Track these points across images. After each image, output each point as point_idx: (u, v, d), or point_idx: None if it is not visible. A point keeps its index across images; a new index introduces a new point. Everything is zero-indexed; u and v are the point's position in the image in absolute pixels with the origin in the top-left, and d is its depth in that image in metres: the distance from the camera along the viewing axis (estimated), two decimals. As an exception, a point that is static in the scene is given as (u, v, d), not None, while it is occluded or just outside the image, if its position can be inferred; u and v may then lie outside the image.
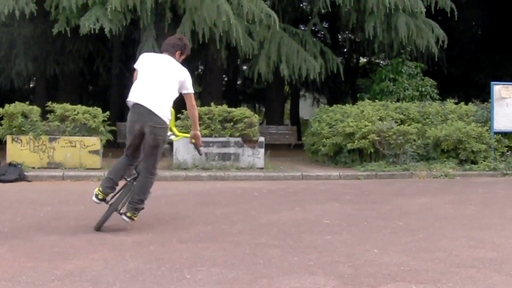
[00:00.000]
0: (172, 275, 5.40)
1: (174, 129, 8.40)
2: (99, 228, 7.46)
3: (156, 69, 7.69)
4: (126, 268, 5.62)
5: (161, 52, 8.01)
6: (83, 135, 15.25)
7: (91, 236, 7.10)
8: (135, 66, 7.88)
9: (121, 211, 7.51)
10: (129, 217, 7.44)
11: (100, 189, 7.46)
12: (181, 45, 8.01)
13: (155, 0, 18.01)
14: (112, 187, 7.55)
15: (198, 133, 8.18)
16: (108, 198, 7.57)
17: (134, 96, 7.69)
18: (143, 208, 7.64)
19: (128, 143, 7.72)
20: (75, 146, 15.08)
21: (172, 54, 7.90)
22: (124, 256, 6.09)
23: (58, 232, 7.35)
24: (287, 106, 42.68)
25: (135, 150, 7.67)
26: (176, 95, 7.78)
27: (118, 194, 7.69)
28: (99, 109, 15.69)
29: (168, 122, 7.64)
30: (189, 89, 7.87)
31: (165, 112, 7.54)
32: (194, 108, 8.03)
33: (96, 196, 7.46)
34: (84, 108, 15.65)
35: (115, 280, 5.21)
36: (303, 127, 32.05)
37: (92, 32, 17.90)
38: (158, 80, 7.61)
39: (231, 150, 15.81)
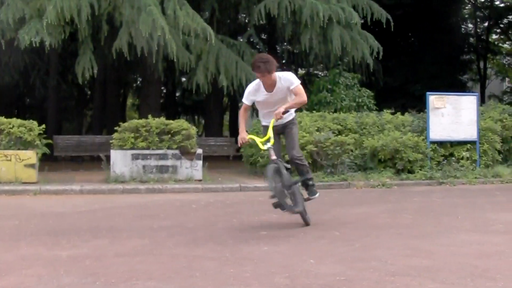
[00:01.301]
0: (107, 289, 5.36)
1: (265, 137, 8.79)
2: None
3: None
4: (60, 283, 5.56)
5: None
6: (19, 149, 14.99)
7: (25, 252, 7.01)
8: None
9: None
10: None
11: None
12: None
13: (91, 13, 17.87)
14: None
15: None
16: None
17: None
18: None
19: None
20: (10, 160, 14.82)
21: None
22: (59, 272, 6.01)
23: (-9, 248, 7.22)
24: (227, 117, 42.73)
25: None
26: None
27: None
28: (35, 122, 15.46)
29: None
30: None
31: None
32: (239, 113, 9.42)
33: None
34: (19, 121, 15.39)
35: (49, 296, 5.16)
36: (242, 139, 32.04)
37: (34, 45, 17.71)
38: None
39: (169, 162, 15.74)
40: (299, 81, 8.68)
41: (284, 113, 8.52)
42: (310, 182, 9.29)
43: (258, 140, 8.81)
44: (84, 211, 10.93)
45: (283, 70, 36.44)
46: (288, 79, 8.61)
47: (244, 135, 8.74)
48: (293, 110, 8.98)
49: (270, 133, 8.63)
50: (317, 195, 9.33)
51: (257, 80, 8.74)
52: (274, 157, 8.53)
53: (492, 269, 6.17)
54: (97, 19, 18.80)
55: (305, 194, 9.22)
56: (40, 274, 5.91)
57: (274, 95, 8.68)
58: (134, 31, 18.41)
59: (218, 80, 21.17)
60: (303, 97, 8.62)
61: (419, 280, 5.71)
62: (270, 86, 8.62)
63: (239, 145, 8.98)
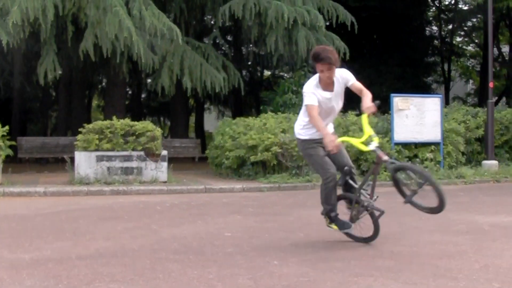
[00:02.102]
0: (69, 292, 5.33)
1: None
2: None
3: None
4: (23, 286, 5.53)
5: None
6: (-18, 151, 14.86)
7: (-13, 255, 6.95)
8: None
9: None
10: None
11: None
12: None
13: (55, 13, 17.72)
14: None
15: (326, 138, 7.21)
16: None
17: None
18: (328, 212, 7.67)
19: None
20: (-27, 162, 14.68)
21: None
22: (21, 275, 5.97)
23: (-48, 251, 7.15)
24: (192, 119, 42.66)
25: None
26: (304, 109, 7.64)
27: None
28: (-1, 124, 15.32)
29: (297, 137, 7.92)
30: (304, 102, 7.56)
31: (296, 128, 7.92)
32: (310, 119, 7.50)
33: None
34: (-18, 123, 15.24)
35: (10, 299, 5.12)
36: (207, 140, 32.07)
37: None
38: None
39: (134, 164, 15.67)
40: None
41: None
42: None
43: (356, 142, 7.59)
44: (47, 213, 10.86)
45: (249, 71, 36.32)
46: (344, 76, 7.72)
47: (333, 138, 7.27)
48: None
49: (369, 130, 7.48)
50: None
51: (315, 78, 7.60)
52: (386, 157, 7.41)
53: (454, 269, 6.23)
54: (61, 20, 18.64)
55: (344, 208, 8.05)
56: (2, 277, 5.86)
57: (335, 96, 7.70)
58: (100, 32, 18.30)
59: (182, 81, 21.13)
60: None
61: (382, 280, 5.75)
62: (330, 84, 7.60)
63: (332, 151, 7.21)
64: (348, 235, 7.77)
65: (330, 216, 7.62)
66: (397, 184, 7.66)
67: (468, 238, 8.12)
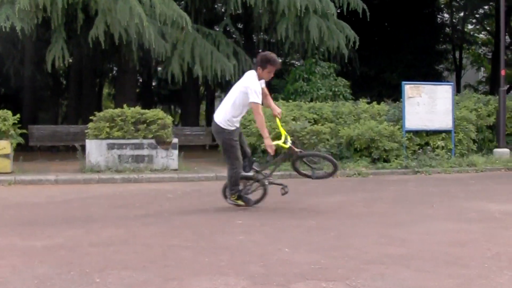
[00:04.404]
0: (81, 279, 5.33)
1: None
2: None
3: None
4: (35, 273, 5.53)
5: None
6: (-7, 139, 14.89)
7: (0, 242, 6.96)
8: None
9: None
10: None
11: None
12: (258, 61, 9.28)
13: (66, 1, 17.71)
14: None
15: (266, 141, 9.23)
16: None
17: None
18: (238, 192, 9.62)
19: None
20: (-16, 150, 14.71)
21: (256, 70, 9.29)
22: (33, 262, 5.98)
23: (-35, 238, 7.18)
24: (203, 107, 42.66)
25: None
26: (240, 104, 9.26)
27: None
28: (9, 112, 15.31)
29: (224, 127, 9.28)
30: (250, 98, 9.06)
31: (221, 119, 9.28)
32: (256, 116, 9.28)
33: None
34: (-7, 111, 15.27)
35: (22, 285, 5.13)
36: (218, 128, 32.00)
37: (4, 30, 17.50)
38: (227, 96, 9.43)
39: (145, 152, 15.68)
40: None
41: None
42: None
43: (280, 143, 9.39)
44: (59, 201, 10.89)
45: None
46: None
47: (271, 143, 9.23)
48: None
49: (283, 130, 9.57)
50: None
51: (255, 76, 9.26)
52: (297, 150, 9.63)
53: (465, 256, 6.21)
54: (71, 7, 18.64)
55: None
56: (15, 265, 5.87)
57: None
58: (111, 19, 18.31)
59: (193, 69, 21.12)
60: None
61: (393, 268, 5.74)
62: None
63: (272, 153, 9.30)
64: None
65: (241, 196, 9.58)
66: (297, 169, 9.99)
67: (480, 226, 8.10)
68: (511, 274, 5.53)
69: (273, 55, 9.31)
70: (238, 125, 9.46)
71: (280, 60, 9.72)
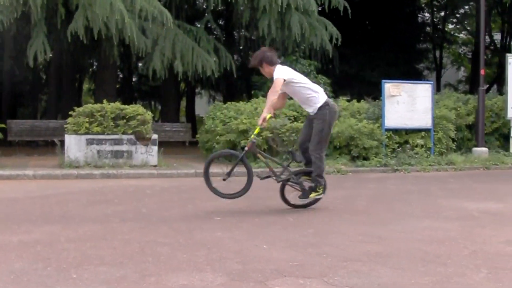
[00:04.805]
0: (58, 275, 5.31)
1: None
2: None
3: None
4: (11, 268, 5.49)
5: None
6: (-29, 133, 14.80)
7: (-24, 237, 6.93)
8: (285, 77, 8.89)
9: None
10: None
11: None
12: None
13: (46, -5, 17.63)
14: None
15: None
16: None
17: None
18: None
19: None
20: (-39, 145, 14.62)
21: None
22: (10, 257, 5.94)
23: None
24: (183, 103, 42.59)
25: None
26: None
27: None
28: (-12, 107, 15.25)
29: None
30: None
31: None
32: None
33: None
34: (-29, 106, 15.18)
35: (-2, 281, 5.10)
36: (198, 125, 32.03)
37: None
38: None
39: (124, 147, 15.63)
40: (278, 75, 8.88)
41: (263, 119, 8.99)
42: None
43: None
44: (37, 196, 10.84)
45: (240, 56, 36.20)
46: (274, 74, 8.97)
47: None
48: (317, 104, 9.24)
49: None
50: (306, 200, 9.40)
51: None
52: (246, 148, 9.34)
53: (443, 254, 6.24)
54: (52, 2, 18.54)
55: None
56: (-10, 259, 5.85)
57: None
58: (91, 14, 18.21)
59: (174, 65, 21.08)
60: (270, 89, 8.92)
61: (370, 265, 5.75)
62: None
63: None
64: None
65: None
66: None
67: (458, 224, 8.13)
68: (487, 272, 5.56)
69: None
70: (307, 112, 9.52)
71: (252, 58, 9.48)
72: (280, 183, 9.44)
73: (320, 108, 9.14)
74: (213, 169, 9.48)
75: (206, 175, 9.23)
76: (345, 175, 15.58)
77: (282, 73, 8.86)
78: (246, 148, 9.27)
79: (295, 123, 16.90)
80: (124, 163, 15.45)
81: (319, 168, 9.16)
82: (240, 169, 9.23)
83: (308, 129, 9.32)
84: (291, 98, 9.84)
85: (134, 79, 43.50)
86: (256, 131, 9.37)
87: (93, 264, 5.69)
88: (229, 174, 9.14)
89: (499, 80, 37.25)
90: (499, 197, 11.29)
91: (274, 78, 8.80)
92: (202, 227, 7.72)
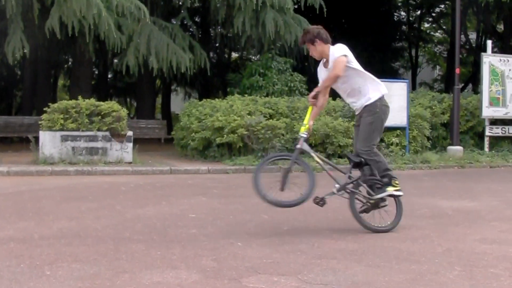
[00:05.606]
0: (31, 272, 5.28)
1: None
2: None
3: None
4: (-16, 265, 5.46)
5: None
6: None
7: None
8: (348, 54, 7.72)
9: None
10: None
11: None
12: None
13: (20, -10, 17.50)
14: None
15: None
16: None
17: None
18: None
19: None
20: None
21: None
22: (-18, 254, 5.91)
23: None
24: (159, 100, 42.47)
25: None
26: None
27: None
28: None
29: None
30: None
31: None
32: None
33: None
34: None
35: (-30, 278, 5.06)
36: (174, 122, 31.95)
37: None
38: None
39: (99, 144, 15.55)
40: (341, 53, 7.69)
41: (315, 96, 7.70)
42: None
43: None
44: (10, 192, 10.78)
45: (216, 53, 36.05)
46: (332, 53, 7.77)
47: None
48: (369, 95, 8.01)
49: (307, 118, 7.95)
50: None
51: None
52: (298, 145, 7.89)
53: (417, 252, 6.28)
54: (26, -3, 18.43)
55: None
56: (-38, 256, 5.80)
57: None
58: (66, 10, 18.09)
59: (149, 62, 21.02)
60: (334, 70, 7.60)
61: (345, 263, 5.78)
62: (325, 62, 7.88)
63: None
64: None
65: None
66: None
67: (432, 222, 8.19)
68: (460, 269, 5.60)
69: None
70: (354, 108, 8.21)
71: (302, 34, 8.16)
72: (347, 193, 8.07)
73: (372, 102, 7.93)
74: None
75: (257, 187, 7.49)
76: (320, 172, 15.53)
77: (343, 50, 7.73)
78: (298, 146, 7.90)
79: (271, 120, 16.88)
80: (99, 160, 15.36)
81: (377, 163, 7.74)
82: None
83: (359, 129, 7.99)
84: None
85: (109, 76, 43.26)
86: (304, 128, 7.98)
87: (66, 261, 5.66)
88: (284, 182, 7.96)
89: (474, 79, 37.51)
90: (473, 196, 11.36)
91: (336, 57, 7.56)
92: (176, 224, 7.70)
